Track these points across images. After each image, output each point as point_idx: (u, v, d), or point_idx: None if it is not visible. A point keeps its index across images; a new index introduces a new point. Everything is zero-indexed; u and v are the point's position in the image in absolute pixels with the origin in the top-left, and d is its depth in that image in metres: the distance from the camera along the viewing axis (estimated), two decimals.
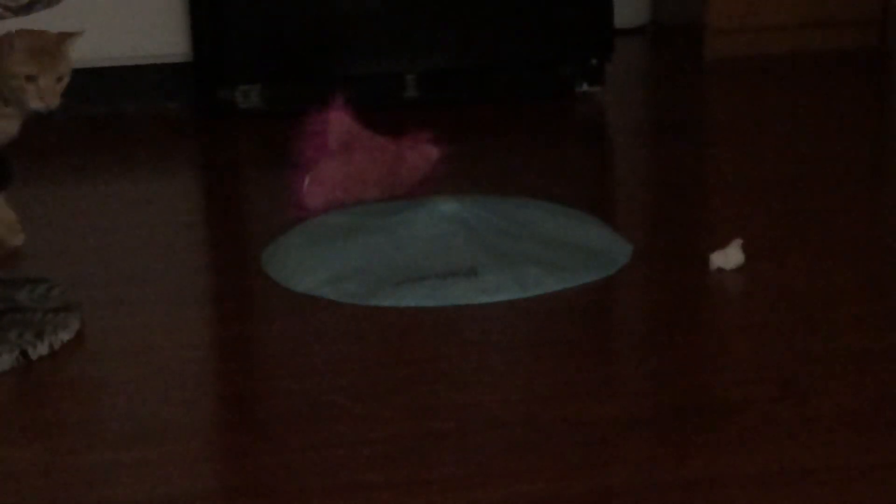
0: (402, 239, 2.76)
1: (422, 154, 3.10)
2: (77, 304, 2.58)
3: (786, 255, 2.79)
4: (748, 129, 3.70)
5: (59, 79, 2.68)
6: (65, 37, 2.68)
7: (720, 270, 2.69)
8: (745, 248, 2.71)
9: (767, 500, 1.93)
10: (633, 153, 3.72)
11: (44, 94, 2.66)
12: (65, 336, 2.46)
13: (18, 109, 2.70)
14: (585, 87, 3.95)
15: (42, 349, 2.41)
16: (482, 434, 2.13)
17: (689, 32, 4.36)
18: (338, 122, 3.06)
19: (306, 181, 3.01)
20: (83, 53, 3.88)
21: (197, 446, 2.15)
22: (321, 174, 3.02)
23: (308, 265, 2.73)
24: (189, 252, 3.01)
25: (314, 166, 3.02)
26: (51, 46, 2.67)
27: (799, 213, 3.02)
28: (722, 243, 2.72)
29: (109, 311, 2.64)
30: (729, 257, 2.70)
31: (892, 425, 2.12)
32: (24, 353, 2.39)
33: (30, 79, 2.65)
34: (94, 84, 3.90)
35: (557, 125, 3.80)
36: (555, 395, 2.26)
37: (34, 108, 2.66)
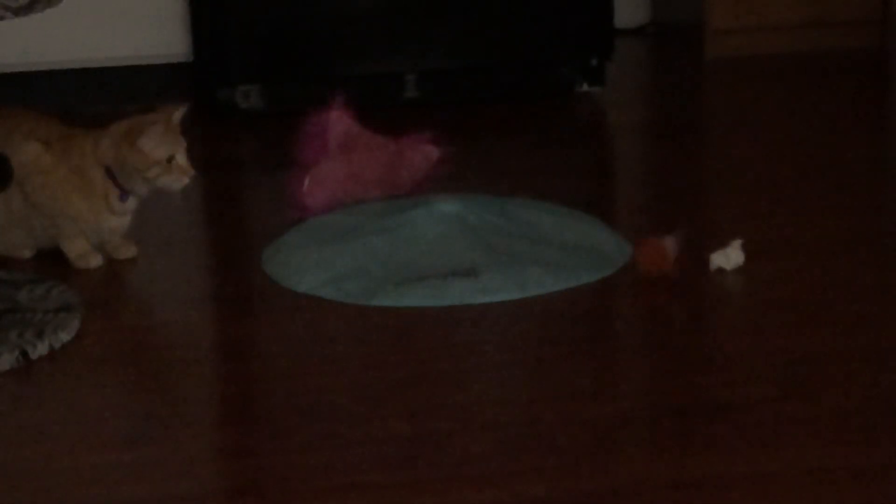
0: (402, 239, 2.76)
1: (422, 154, 3.10)
2: (77, 304, 2.58)
3: (786, 255, 2.79)
4: (748, 129, 3.70)
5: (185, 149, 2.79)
6: (172, 111, 2.77)
7: (720, 270, 2.69)
8: (745, 248, 2.71)
9: (767, 500, 1.93)
10: (633, 153, 3.72)
11: (185, 169, 2.76)
12: (65, 336, 2.46)
13: (138, 195, 2.81)
14: (585, 87, 3.95)
15: (42, 349, 2.41)
16: (482, 434, 2.13)
17: (689, 32, 4.36)
18: (338, 122, 3.06)
19: (306, 181, 3.01)
20: (83, 53, 3.91)
21: (197, 446, 2.15)
22: (321, 174, 3.02)
23: (308, 265, 2.73)
24: (189, 252, 3.01)
25: (314, 166, 3.02)
26: (166, 123, 2.76)
27: (799, 213, 3.02)
28: (722, 243, 2.72)
29: (109, 311, 2.64)
30: (729, 257, 2.70)
31: (892, 425, 2.12)
32: (24, 353, 2.39)
33: (169, 160, 2.74)
34: (94, 84, 3.90)
35: (557, 125, 3.79)
36: (555, 395, 2.26)
37: (178, 187, 2.77)
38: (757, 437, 2.09)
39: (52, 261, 2.83)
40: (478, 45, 3.90)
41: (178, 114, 2.77)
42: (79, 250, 2.81)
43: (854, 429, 2.11)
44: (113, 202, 2.79)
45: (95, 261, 2.82)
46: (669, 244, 2.68)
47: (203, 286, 2.86)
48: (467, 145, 3.46)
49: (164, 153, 2.74)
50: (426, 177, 3.07)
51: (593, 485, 1.98)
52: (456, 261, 2.69)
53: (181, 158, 2.76)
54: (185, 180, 2.77)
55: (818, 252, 2.81)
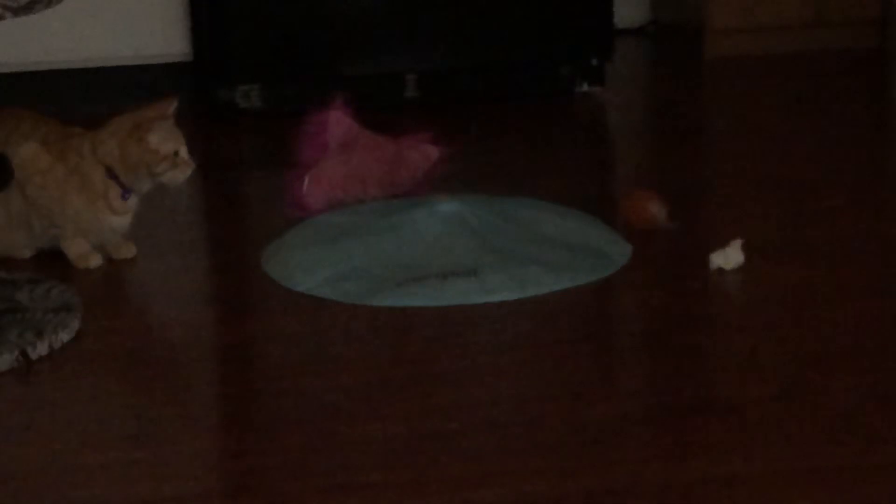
0: (403, 239, 2.76)
1: (422, 154, 3.10)
2: (77, 304, 2.58)
3: (786, 255, 2.79)
4: (748, 129, 3.70)
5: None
6: (167, 105, 2.79)
7: (720, 270, 2.69)
8: (745, 248, 2.71)
9: (767, 500, 1.93)
10: (633, 153, 3.71)
11: (188, 162, 2.79)
12: (65, 336, 2.46)
13: (140, 192, 2.82)
14: (585, 87, 3.95)
15: (42, 349, 2.41)
16: (482, 434, 2.13)
17: (689, 32, 4.36)
18: (338, 122, 3.06)
19: (306, 181, 3.01)
20: (83, 53, 3.91)
21: (196, 446, 2.15)
22: (321, 174, 3.02)
23: (308, 265, 2.73)
24: (189, 252, 3.01)
25: (314, 166, 3.02)
26: (168, 118, 2.78)
27: (799, 213, 3.02)
28: (722, 243, 2.72)
29: (109, 311, 2.64)
30: (729, 257, 2.70)
31: (892, 425, 2.12)
32: (24, 353, 2.39)
33: (175, 154, 2.78)
34: (94, 84, 3.90)
35: (557, 125, 3.80)
36: (555, 395, 2.26)
37: (182, 179, 2.79)
38: (757, 437, 2.09)
39: (52, 261, 2.83)
40: (478, 45, 3.90)
41: (172, 107, 2.78)
42: (79, 250, 2.82)
43: (854, 429, 2.11)
44: (114, 201, 2.80)
45: (95, 261, 2.82)
46: (656, 198, 2.87)
47: (203, 286, 2.86)
48: (467, 145, 3.46)
49: (171, 148, 2.76)
50: (426, 177, 3.08)
51: (593, 485, 1.98)
52: (456, 261, 2.69)
53: (184, 151, 2.78)
54: (188, 172, 2.79)
55: (818, 252, 2.81)
